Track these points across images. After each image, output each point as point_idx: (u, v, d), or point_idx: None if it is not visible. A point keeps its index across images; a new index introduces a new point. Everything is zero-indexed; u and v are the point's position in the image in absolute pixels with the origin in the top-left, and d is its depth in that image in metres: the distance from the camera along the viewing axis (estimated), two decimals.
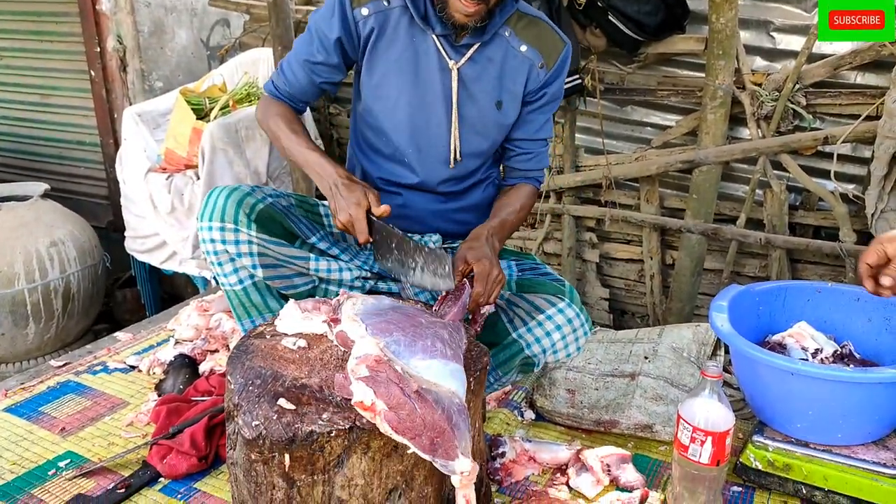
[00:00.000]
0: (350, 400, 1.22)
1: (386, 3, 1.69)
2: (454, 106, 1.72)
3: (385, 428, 1.19)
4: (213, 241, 1.65)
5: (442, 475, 1.33)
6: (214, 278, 2.18)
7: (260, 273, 1.68)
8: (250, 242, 1.65)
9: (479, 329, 1.64)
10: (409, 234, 1.75)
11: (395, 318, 1.39)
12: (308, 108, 1.95)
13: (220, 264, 1.68)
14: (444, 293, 1.59)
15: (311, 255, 1.75)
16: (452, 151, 1.76)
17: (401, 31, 1.69)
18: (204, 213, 1.65)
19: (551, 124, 1.88)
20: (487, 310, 1.64)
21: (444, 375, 1.28)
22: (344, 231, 1.63)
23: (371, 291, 1.77)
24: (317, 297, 1.64)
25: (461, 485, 1.22)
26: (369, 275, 1.79)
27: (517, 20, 1.74)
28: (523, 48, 1.73)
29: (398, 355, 1.29)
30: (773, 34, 2.66)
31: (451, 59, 1.70)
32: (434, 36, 1.68)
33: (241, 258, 1.66)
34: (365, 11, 1.68)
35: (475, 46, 1.70)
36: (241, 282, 1.70)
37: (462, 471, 1.20)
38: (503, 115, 1.77)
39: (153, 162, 3.13)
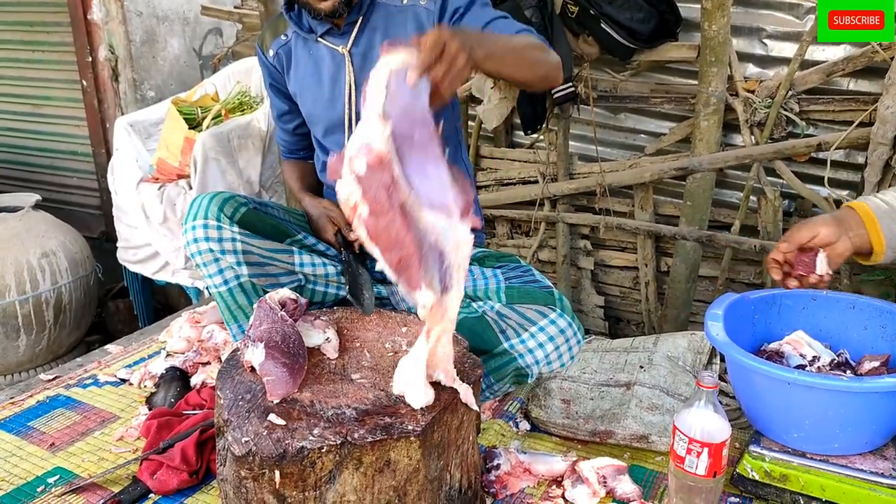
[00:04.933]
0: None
1: (284, 37, 1.85)
2: (348, 87, 1.76)
3: (361, 231, 1.18)
4: (196, 240, 1.68)
5: (436, 490, 1.32)
6: (207, 288, 2.17)
7: (245, 271, 1.70)
8: (234, 240, 1.68)
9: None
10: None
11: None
12: None
13: (205, 265, 1.71)
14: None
15: (295, 250, 1.80)
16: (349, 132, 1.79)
17: (300, 53, 1.83)
18: (189, 215, 1.70)
19: (504, 21, 1.64)
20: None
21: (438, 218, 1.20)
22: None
23: None
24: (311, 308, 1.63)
25: (423, 317, 1.22)
26: None
27: None
28: (404, 1, 1.74)
29: (403, 160, 1.19)
30: (766, 41, 2.66)
31: (338, 47, 1.76)
32: (319, 38, 1.77)
33: (226, 256, 1.68)
34: (271, 52, 1.87)
35: (357, 24, 1.74)
36: (226, 283, 1.73)
37: (423, 303, 1.20)
38: None
39: (145, 172, 3.11)
